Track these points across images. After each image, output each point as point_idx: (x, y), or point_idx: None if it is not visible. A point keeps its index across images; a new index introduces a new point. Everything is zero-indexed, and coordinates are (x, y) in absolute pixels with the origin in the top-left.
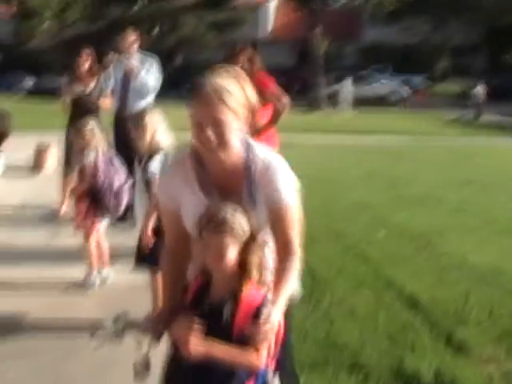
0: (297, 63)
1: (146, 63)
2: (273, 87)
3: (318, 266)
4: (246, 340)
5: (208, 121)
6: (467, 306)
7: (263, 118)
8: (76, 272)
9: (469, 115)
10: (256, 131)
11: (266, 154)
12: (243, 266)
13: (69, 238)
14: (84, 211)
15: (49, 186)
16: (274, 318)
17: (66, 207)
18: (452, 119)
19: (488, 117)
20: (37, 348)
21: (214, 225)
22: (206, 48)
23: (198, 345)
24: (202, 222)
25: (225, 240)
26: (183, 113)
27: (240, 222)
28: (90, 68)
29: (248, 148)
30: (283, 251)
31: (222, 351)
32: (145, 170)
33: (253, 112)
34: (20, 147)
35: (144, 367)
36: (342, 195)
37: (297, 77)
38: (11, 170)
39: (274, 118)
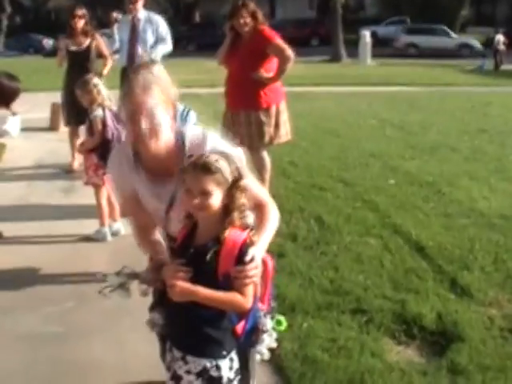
0: (317, 15)
1: (153, 22)
2: (277, 41)
3: (327, 214)
4: (231, 282)
5: (139, 113)
6: (472, 251)
7: (269, 71)
8: (88, 225)
9: (488, 65)
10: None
11: (198, 130)
12: (226, 210)
13: (81, 192)
14: (94, 166)
15: (64, 145)
16: (258, 258)
17: (77, 162)
18: (471, 69)
19: (508, 66)
20: (48, 298)
21: (197, 171)
22: (225, 3)
23: (184, 289)
24: (185, 168)
25: (208, 185)
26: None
27: (223, 167)
28: (84, 27)
29: (179, 133)
30: (257, 208)
31: (207, 295)
32: None
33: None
34: (38, 107)
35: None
36: (355, 144)
37: (317, 29)
38: (28, 129)
39: (279, 72)
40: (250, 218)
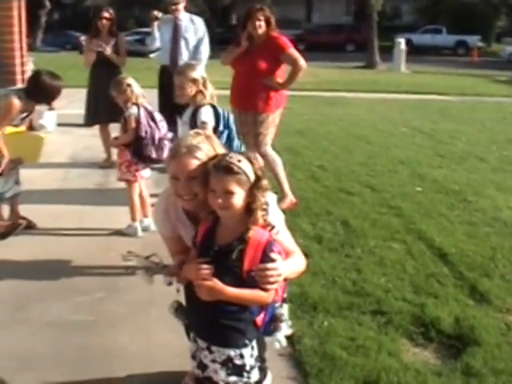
0: (353, 21)
1: (194, 23)
2: (290, 50)
3: (353, 218)
4: (255, 280)
5: (182, 174)
6: (494, 259)
7: (278, 77)
8: (120, 220)
9: None
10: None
11: None
12: (249, 209)
13: (114, 188)
14: (127, 162)
15: (99, 141)
16: (279, 259)
17: (110, 158)
18: (503, 80)
19: None
20: (78, 288)
21: (220, 171)
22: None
23: (212, 289)
24: (209, 169)
25: (230, 185)
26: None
27: (245, 168)
28: (110, 28)
29: None
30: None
31: (234, 294)
32: (193, 121)
33: None
34: (74, 103)
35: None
36: (385, 151)
37: (353, 35)
38: (64, 125)
39: (290, 80)
40: (271, 215)
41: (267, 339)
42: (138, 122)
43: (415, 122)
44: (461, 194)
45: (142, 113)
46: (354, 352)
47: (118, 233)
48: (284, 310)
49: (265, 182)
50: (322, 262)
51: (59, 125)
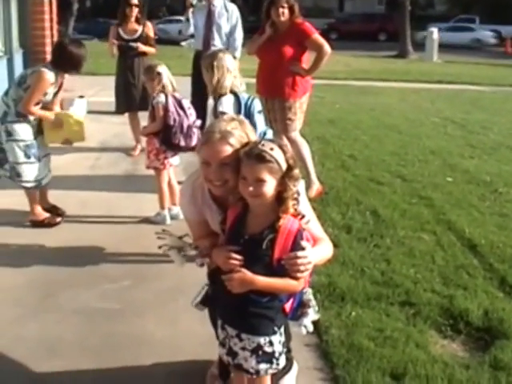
0: (385, 10)
1: (228, 9)
2: (315, 36)
3: (382, 208)
4: (285, 269)
5: (214, 160)
6: None
7: (303, 63)
8: (149, 208)
9: None
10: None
11: None
12: (280, 198)
13: (143, 175)
14: (156, 150)
15: (129, 129)
16: (309, 248)
17: (140, 146)
18: None
19: None
20: (106, 275)
21: (252, 159)
22: None
23: (243, 280)
24: (241, 156)
25: (262, 173)
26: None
27: (277, 156)
28: (137, 17)
29: None
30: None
31: (265, 284)
32: (215, 110)
33: None
34: (105, 91)
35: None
36: (416, 141)
37: (385, 24)
38: (95, 112)
39: (316, 66)
40: (301, 204)
41: (293, 325)
42: (166, 110)
43: (447, 111)
44: (492, 184)
45: (170, 101)
46: (382, 343)
47: (147, 221)
48: (311, 296)
49: (296, 172)
50: (350, 252)
51: (89, 112)
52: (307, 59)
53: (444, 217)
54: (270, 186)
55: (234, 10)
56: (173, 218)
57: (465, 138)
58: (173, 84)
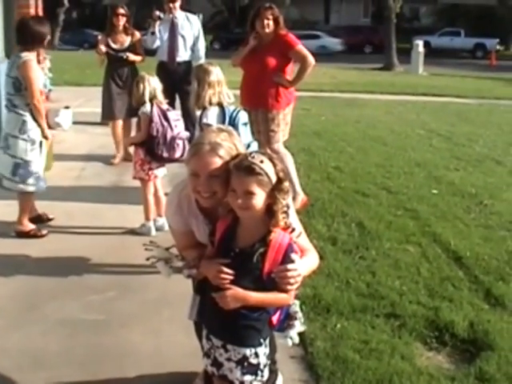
0: (371, 23)
1: (190, 21)
2: (299, 47)
3: (368, 220)
4: (274, 282)
5: (203, 172)
6: (509, 263)
7: (287, 74)
8: (134, 219)
9: None
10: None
11: None
12: (270, 211)
13: (129, 186)
14: (141, 161)
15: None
16: (298, 261)
17: (120, 155)
18: None
19: None
20: (90, 286)
21: (241, 172)
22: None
23: (235, 298)
24: (230, 168)
25: (251, 186)
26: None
27: (267, 169)
28: (125, 26)
29: None
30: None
31: (257, 299)
32: (200, 121)
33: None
34: (91, 101)
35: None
36: (401, 153)
37: (371, 36)
38: (81, 123)
39: (299, 77)
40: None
41: (280, 336)
42: (150, 120)
43: (432, 124)
44: (477, 197)
45: (155, 111)
46: (367, 355)
47: (132, 232)
48: (297, 307)
49: (286, 185)
50: (336, 264)
51: (75, 123)
52: (291, 70)
53: (429, 229)
54: (259, 199)
55: (195, 20)
56: (158, 229)
57: (450, 150)
58: (159, 95)
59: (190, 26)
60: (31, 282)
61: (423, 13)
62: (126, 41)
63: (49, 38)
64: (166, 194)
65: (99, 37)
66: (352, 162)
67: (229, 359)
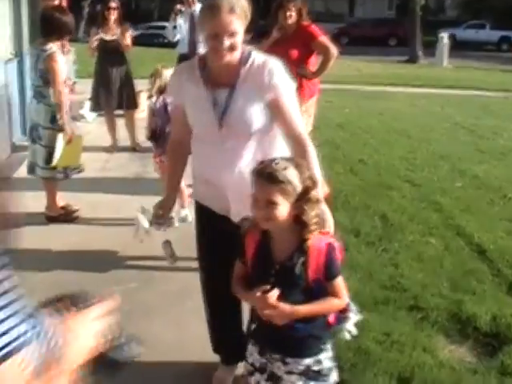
0: (396, 15)
1: None
2: (322, 38)
3: (391, 212)
4: (322, 287)
5: (224, 32)
6: None
7: (311, 66)
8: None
9: None
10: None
11: (265, 57)
12: (300, 221)
13: (152, 177)
14: (153, 153)
15: (139, 131)
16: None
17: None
18: None
19: None
20: (113, 278)
21: (263, 179)
22: None
23: (284, 315)
24: (251, 176)
25: (274, 195)
26: None
27: (291, 177)
28: (118, 18)
29: (247, 50)
30: (297, 145)
31: (306, 311)
32: None
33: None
34: None
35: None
36: (425, 146)
37: (395, 29)
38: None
39: (322, 68)
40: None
41: (337, 331)
42: (153, 112)
43: (457, 117)
44: (501, 190)
45: (158, 105)
46: (389, 347)
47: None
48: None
49: (314, 194)
50: (358, 256)
51: (100, 115)
52: (314, 62)
53: (453, 222)
54: (282, 210)
55: None
56: (181, 220)
57: (474, 143)
58: (163, 87)
59: None
60: (54, 274)
61: (448, 5)
62: (118, 33)
63: (73, 29)
64: (188, 186)
65: (92, 30)
66: (376, 155)
67: (290, 372)
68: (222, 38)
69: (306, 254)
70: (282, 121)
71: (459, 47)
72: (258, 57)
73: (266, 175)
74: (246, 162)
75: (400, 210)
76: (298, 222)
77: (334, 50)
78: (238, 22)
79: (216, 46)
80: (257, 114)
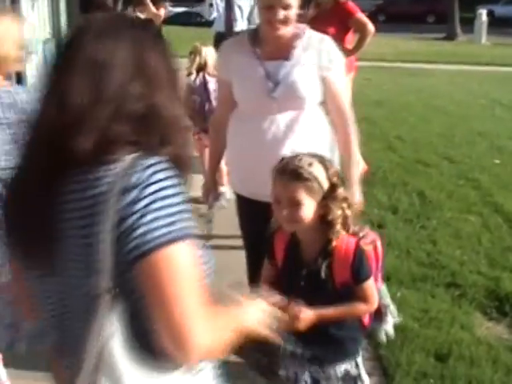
0: None
1: None
2: (359, 15)
3: (429, 189)
4: (350, 290)
5: (279, 3)
6: None
7: (348, 43)
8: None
9: None
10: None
11: (321, 34)
12: (327, 221)
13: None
14: (193, 131)
15: None
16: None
17: None
18: None
19: None
20: None
21: (286, 177)
22: None
23: (309, 320)
24: (273, 173)
25: (298, 193)
26: None
27: (317, 173)
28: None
29: (302, 26)
30: (340, 120)
31: (331, 315)
32: None
33: None
34: None
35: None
36: (463, 123)
37: (433, 6)
38: None
39: (359, 45)
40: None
41: (373, 331)
42: (192, 89)
43: (495, 93)
44: None
45: (198, 82)
46: (426, 324)
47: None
48: (388, 299)
49: (341, 191)
50: (396, 233)
51: None
52: (351, 40)
53: (491, 199)
54: (308, 210)
55: None
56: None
57: None
58: (211, 66)
59: None
60: None
61: None
62: (153, 11)
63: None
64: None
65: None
66: (413, 132)
67: (327, 379)
68: (276, 9)
69: (330, 256)
70: (332, 97)
71: (498, 23)
72: (314, 33)
73: (290, 172)
74: (298, 137)
75: (438, 187)
76: (324, 222)
77: (370, 26)
78: None
79: (270, 18)
80: (311, 88)
